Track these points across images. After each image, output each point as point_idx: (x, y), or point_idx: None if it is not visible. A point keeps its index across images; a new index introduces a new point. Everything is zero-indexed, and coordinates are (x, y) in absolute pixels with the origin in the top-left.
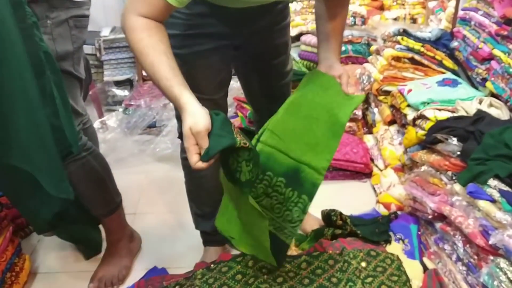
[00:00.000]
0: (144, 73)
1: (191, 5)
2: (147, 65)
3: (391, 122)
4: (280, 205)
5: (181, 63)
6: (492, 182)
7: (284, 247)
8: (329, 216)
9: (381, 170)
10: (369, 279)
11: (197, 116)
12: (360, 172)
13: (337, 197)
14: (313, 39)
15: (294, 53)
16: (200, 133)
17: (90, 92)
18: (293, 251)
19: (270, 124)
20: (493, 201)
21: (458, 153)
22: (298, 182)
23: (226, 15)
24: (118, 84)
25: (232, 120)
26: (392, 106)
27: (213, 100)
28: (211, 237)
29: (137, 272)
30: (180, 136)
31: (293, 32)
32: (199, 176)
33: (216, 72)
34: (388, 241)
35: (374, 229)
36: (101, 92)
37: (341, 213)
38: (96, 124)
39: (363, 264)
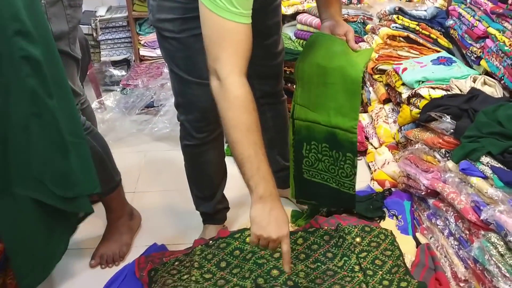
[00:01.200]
0: (141, 53)
1: None
2: (251, 142)
3: (386, 101)
4: (333, 165)
5: (181, 47)
6: (485, 159)
7: (350, 197)
8: None
9: (375, 148)
10: (364, 254)
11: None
12: None
13: None
14: (309, 18)
15: (290, 32)
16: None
17: (88, 72)
18: (289, 227)
19: (295, 98)
20: (485, 177)
21: (452, 131)
22: (338, 144)
23: None
24: (115, 64)
25: None
26: (387, 85)
27: None
28: (211, 216)
29: (138, 249)
30: (183, 109)
31: (289, 11)
32: (200, 162)
33: None
34: (382, 217)
35: (369, 205)
36: (98, 72)
37: None
38: (94, 104)
39: (358, 239)
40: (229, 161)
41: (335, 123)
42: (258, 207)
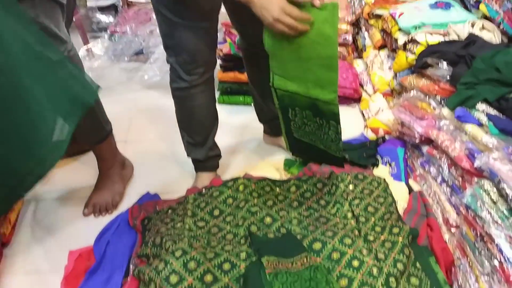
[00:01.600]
0: None
1: None
2: None
3: (381, 47)
4: (318, 130)
5: None
6: (480, 106)
7: (338, 159)
8: None
9: (370, 95)
10: (356, 201)
11: None
12: (349, 97)
13: None
14: None
15: None
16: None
17: (74, 19)
18: (282, 175)
19: (272, 68)
20: (480, 124)
21: (448, 77)
22: (321, 113)
23: None
24: (102, 9)
25: (220, 46)
26: (382, 31)
27: (204, 28)
28: (203, 164)
29: (130, 198)
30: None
31: None
32: (190, 106)
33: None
34: (375, 165)
35: (362, 153)
36: (85, 18)
37: None
38: (82, 52)
39: (351, 187)
40: (220, 109)
41: (315, 95)
42: (252, 7)
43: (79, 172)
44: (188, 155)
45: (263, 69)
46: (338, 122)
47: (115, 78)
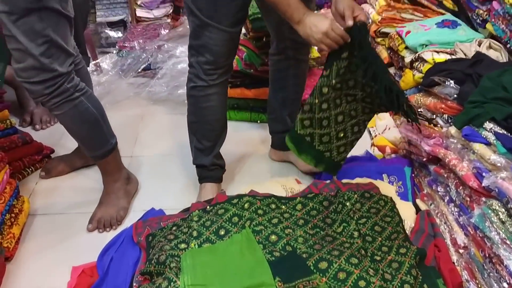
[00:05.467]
0: (137, 14)
1: None
2: None
3: (388, 65)
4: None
5: None
6: (488, 125)
7: None
8: None
9: (377, 113)
10: (363, 220)
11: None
12: None
13: None
14: None
15: None
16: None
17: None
18: (288, 193)
19: (187, 281)
20: (488, 144)
21: (455, 96)
22: None
23: None
24: (111, 25)
25: None
26: (389, 49)
27: (231, 33)
28: (207, 171)
29: (135, 213)
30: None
31: None
32: (204, 107)
33: (238, 6)
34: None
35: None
36: (94, 34)
37: None
38: (90, 67)
39: (357, 205)
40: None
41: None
42: (301, 27)
43: (83, 187)
44: (194, 161)
45: (288, 80)
46: None
47: (123, 93)
